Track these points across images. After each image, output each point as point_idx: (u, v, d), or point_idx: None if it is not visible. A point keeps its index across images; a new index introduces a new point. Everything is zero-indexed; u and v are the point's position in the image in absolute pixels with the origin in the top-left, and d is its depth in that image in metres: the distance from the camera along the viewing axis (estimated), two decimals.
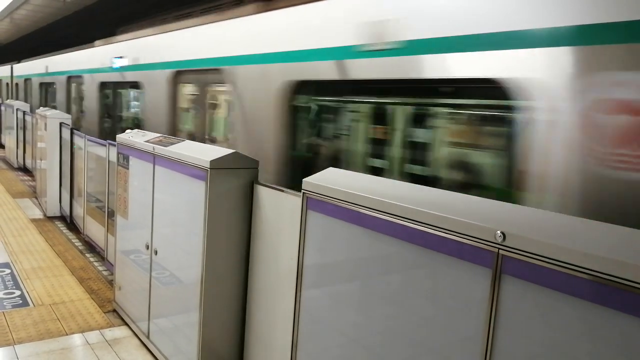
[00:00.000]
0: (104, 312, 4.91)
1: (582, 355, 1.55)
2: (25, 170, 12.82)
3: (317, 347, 2.63)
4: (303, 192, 2.67)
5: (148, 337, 4.26)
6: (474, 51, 2.94)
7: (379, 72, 3.63)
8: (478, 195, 2.13)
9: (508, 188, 2.91)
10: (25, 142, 12.46)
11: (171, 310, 3.97)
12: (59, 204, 8.58)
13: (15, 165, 13.52)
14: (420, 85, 3.53)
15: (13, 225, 7.84)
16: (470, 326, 1.85)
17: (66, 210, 8.23)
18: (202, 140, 6.16)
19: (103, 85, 9.77)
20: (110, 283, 5.53)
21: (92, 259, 6.52)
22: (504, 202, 2.00)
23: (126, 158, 4.71)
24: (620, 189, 2.29)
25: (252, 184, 3.46)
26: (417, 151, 3.61)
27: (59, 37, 19.16)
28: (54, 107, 12.76)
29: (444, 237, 1.94)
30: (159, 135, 4.56)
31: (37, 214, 8.70)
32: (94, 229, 6.79)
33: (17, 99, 18.00)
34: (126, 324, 4.68)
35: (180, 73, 6.62)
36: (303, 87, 4.45)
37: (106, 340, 4.38)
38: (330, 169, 2.79)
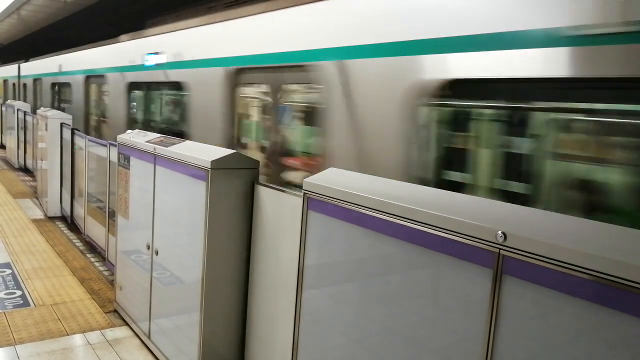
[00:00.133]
0: (105, 313, 4.91)
1: (583, 356, 1.55)
2: (26, 170, 12.83)
3: (317, 347, 2.64)
4: (304, 193, 2.67)
5: (149, 337, 4.27)
6: None
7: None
8: None
9: None
10: (26, 143, 12.46)
11: (172, 311, 3.97)
12: (59, 204, 8.58)
13: (16, 166, 13.52)
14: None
15: (14, 225, 7.85)
16: (471, 326, 1.85)
17: (67, 211, 8.23)
18: (280, 158, 4.86)
19: (132, 86, 8.28)
20: (111, 283, 5.53)
21: (93, 259, 6.52)
22: (505, 202, 2.00)
23: (127, 158, 4.71)
24: None
25: (252, 184, 3.46)
26: None
27: (74, 33, 17.26)
28: (64, 110, 11.53)
29: (444, 237, 1.94)
30: (159, 135, 4.57)
31: (38, 214, 8.71)
32: (95, 229, 6.79)
33: (25, 100, 16.62)
34: (127, 324, 4.68)
35: (242, 71, 5.26)
36: (453, 88, 3.09)
37: (107, 341, 4.38)
38: (331, 168, 2.80)
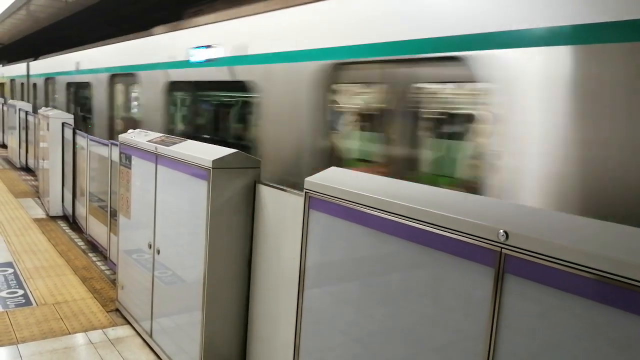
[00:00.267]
0: (107, 312, 4.92)
1: (585, 354, 1.54)
2: (27, 170, 12.85)
3: (319, 346, 2.64)
4: (305, 192, 2.67)
5: (151, 336, 4.27)
6: None
7: None
8: None
9: None
10: (28, 142, 12.48)
11: (174, 310, 3.97)
12: (61, 203, 8.60)
13: (18, 165, 13.54)
14: None
15: (16, 224, 7.86)
16: (473, 325, 1.85)
17: (69, 210, 8.25)
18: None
19: (173, 87, 6.76)
20: (113, 282, 5.54)
21: (94, 259, 6.53)
22: (506, 201, 2.00)
23: (128, 158, 4.71)
24: None
25: (254, 183, 3.46)
26: None
27: (92, 27, 15.46)
28: (86, 116, 10.30)
29: (446, 236, 1.93)
30: (161, 134, 4.57)
31: (40, 213, 8.72)
32: (97, 229, 6.80)
33: (35, 102, 15.12)
34: (129, 323, 4.68)
35: (343, 67, 3.91)
36: None
37: (109, 340, 4.39)
38: (333, 168, 2.80)
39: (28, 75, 16.78)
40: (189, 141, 4.05)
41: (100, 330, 4.53)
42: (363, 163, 4.06)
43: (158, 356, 4.13)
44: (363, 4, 3.78)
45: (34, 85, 15.85)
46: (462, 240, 1.87)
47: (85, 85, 10.52)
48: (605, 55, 2.39)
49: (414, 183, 2.40)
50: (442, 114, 3.51)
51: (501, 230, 1.73)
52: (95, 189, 6.94)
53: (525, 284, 1.68)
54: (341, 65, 3.93)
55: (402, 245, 2.14)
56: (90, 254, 6.70)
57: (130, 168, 4.69)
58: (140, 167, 4.49)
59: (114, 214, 5.64)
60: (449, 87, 3.48)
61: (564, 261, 1.57)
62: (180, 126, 6.98)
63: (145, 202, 4.34)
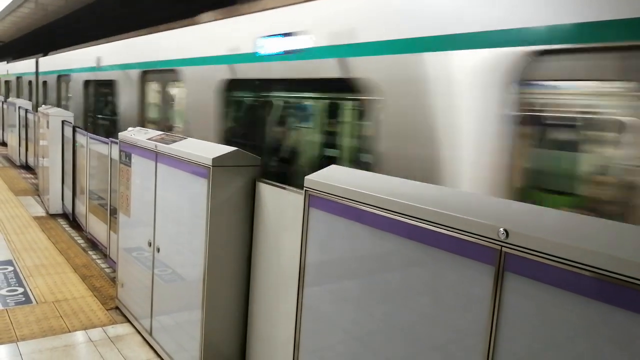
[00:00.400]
0: (107, 310, 4.92)
1: (585, 353, 1.54)
2: (27, 168, 12.84)
3: (319, 344, 2.64)
4: (305, 190, 2.67)
5: (150, 334, 4.28)
6: None
7: None
8: None
9: None
10: (28, 140, 12.47)
11: (173, 308, 3.98)
12: (61, 201, 8.60)
13: (18, 163, 13.53)
14: None
15: (16, 222, 7.86)
16: (473, 324, 1.85)
17: (68, 208, 8.25)
18: None
19: (232, 86, 5.42)
20: (113, 280, 5.54)
21: (94, 257, 6.53)
22: (507, 200, 2.00)
23: (128, 156, 4.71)
24: None
25: (254, 181, 3.46)
26: None
27: (117, 17, 13.19)
28: (107, 120, 8.91)
29: (446, 234, 1.93)
30: (161, 132, 4.57)
31: (40, 211, 8.72)
32: (97, 227, 6.80)
33: (45, 103, 13.62)
34: (129, 321, 4.69)
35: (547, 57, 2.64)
36: None
37: (109, 338, 4.39)
38: (333, 166, 2.79)
39: (37, 73, 15.42)
40: (189, 139, 4.04)
41: (100, 328, 4.53)
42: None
43: (158, 354, 4.13)
44: None
45: (44, 83, 14.59)
46: (462, 239, 1.87)
47: (108, 84, 9.13)
48: None
49: (414, 181, 2.40)
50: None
51: (501, 229, 1.73)
52: (95, 187, 6.94)
53: (525, 282, 1.68)
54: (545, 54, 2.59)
55: (402, 244, 2.14)
56: (90, 252, 6.70)
57: (130, 166, 4.69)
58: (140, 165, 4.48)
59: (113, 212, 5.64)
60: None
61: (564, 259, 1.57)
62: (243, 136, 5.42)
63: (145, 200, 4.34)
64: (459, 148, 3.00)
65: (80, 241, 7.17)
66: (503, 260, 1.74)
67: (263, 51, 4.78)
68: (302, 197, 2.69)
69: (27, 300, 5.02)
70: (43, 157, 9.18)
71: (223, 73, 5.43)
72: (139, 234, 4.50)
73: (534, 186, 2.80)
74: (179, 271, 3.89)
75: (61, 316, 4.71)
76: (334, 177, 2.56)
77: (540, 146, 2.82)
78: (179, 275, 3.89)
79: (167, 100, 7.30)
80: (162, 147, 4.01)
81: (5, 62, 21.69)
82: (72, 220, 8.06)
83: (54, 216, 8.43)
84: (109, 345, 4.26)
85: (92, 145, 6.91)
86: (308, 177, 2.66)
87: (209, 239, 3.38)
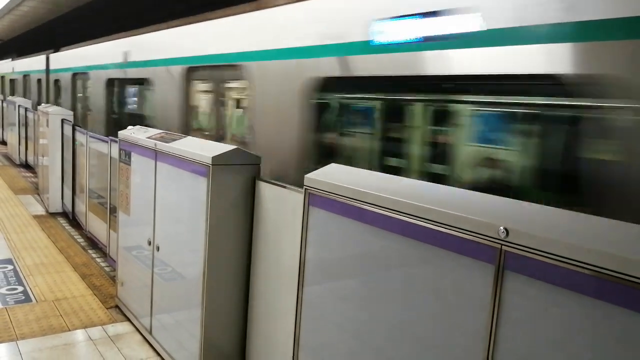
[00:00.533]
0: (107, 308, 4.92)
1: (585, 351, 1.54)
2: (27, 166, 12.84)
3: (319, 342, 2.64)
4: (305, 188, 2.66)
5: (150, 332, 4.28)
6: None
7: None
8: None
9: None
10: (27, 139, 12.46)
11: (173, 306, 3.97)
12: (61, 200, 8.60)
13: (17, 162, 13.53)
14: None
15: (15, 221, 7.86)
16: (473, 322, 1.85)
17: (68, 207, 8.25)
18: None
19: (326, 86, 4.03)
20: (113, 279, 5.54)
21: (94, 255, 6.53)
22: (507, 198, 1.99)
23: (128, 154, 4.71)
24: None
25: (254, 179, 3.45)
26: None
27: (149, 5, 10.34)
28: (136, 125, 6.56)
29: (446, 233, 1.93)
30: (160, 131, 4.57)
31: (39, 210, 8.72)
32: (96, 225, 6.80)
33: (57, 104, 11.73)
34: (128, 320, 4.69)
35: None
36: None
37: (109, 336, 4.39)
38: (333, 165, 2.79)
39: (48, 70, 13.83)
40: (189, 137, 4.04)
41: (100, 327, 4.53)
42: None
43: (158, 353, 4.13)
44: None
45: (56, 82, 13.03)
46: (462, 237, 1.87)
47: (139, 82, 7.88)
48: None
49: (414, 180, 2.40)
50: None
51: (501, 227, 1.73)
52: (94, 186, 6.94)
53: (525, 281, 1.68)
54: None
55: (402, 242, 2.14)
56: (89, 251, 6.69)
57: (129, 165, 4.69)
58: (139, 164, 4.48)
59: (113, 211, 5.63)
60: None
61: (564, 258, 1.57)
62: (367, 159, 3.96)
63: (145, 198, 4.34)
64: None
65: (80, 240, 7.17)
66: (503, 259, 1.74)
67: (381, 39, 3.49)
68: (302, 195, 2.69)
69: (27, 299, 5.02)
70: (43, 156, 9.18)
71: (312, 68, 4.08)
72: (139, 233, 4.50)
73: None
74: (179, 270, 3.89)
75: (61, 315, 4.71)
76: (334, 176, 2.56)
77: None
78: (179, 274, 3.89)
79: (224, 103, 5.80)
80: (162, 146, 4.01)
81: (10, 59, 20.14)
82: (72, 219, 8.06)
83: (53, 215, 8.43)
84: (109, 344, 4.26)
85: (91, 144, 6.91)
86: (308, 176, 2.65)
87: (208, 238, 3.37)
